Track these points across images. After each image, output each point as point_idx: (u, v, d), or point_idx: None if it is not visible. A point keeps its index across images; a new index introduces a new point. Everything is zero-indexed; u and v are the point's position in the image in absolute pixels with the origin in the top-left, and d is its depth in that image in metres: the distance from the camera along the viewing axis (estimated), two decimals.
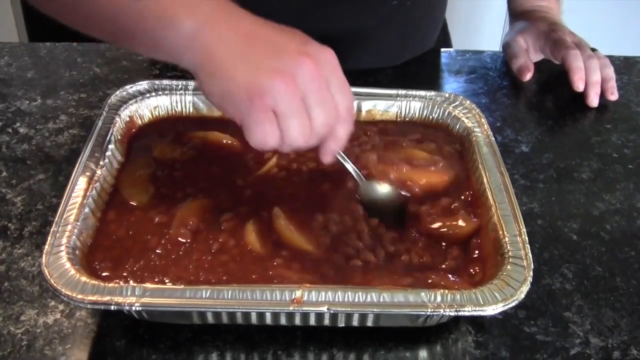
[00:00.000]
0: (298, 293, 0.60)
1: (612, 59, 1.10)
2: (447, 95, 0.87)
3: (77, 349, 0.65)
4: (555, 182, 0.88)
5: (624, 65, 1.14)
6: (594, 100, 1.04)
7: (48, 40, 1.14)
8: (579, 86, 1.04)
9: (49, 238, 0.64)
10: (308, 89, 0.62)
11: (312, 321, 0.64)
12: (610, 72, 1.06)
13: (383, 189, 0.76)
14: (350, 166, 0.74)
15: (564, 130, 1.01)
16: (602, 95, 1.04)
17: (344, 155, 0.73)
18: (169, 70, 1.06)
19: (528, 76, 1.08)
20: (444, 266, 0.68)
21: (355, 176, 0.75)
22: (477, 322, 0.69)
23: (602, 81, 1.04)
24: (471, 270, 0.68)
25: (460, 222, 0.72)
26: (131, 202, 0.73)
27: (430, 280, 0.66)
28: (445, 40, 1.29)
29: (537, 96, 1.07)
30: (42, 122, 0.94)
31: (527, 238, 0.67)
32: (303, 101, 0.62)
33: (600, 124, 1.01)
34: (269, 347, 0.66)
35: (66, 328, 0.67)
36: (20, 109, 0.97)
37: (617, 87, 1.05)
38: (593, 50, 1.08)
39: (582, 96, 1.04)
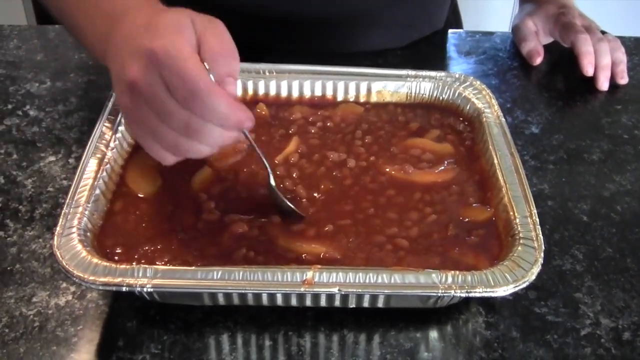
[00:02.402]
0: (309, 274, 0.60)
1: (623, 40, 1.09)
2: (457, 75, 0.87)
3: (88, 330, 0.66)
4: (566, 163, 0.88)
5: (634, 46, 1.14)
6: (604, 84, 1.03)
7: (56, 22, 1.14)
8: (589, 70, 1.03)
9: (60, 220, 0.65)
10: (148, 103, 0.59)
11: (323, 302, 0.64)
12: (621, 55, 1.05)
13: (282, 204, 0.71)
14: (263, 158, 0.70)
15: (574, 111, 1.00)
16: (612, 78, 1.03)
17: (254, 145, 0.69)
18: None
19: (538, 60, 1.08)
20: (469, 238, 0.69)
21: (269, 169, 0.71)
22: (487, 303, 0.69)
23: (612, 65, 1.04)
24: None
25: (475, 216, 0.72)
26: (137, 194, 0.73)
27: (454, 256, 0.67)
28: (456, 21, 1.28)
29: (547, 77, 1.07)
30: (51, 104, 0.94)
31: (537, 219, 0.66)
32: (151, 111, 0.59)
33: (610, 105, 1.01)
34: (280, 328, 0.66)
35: (78, 309, 0.67)
36: (30, 91, 0.97)
37: (627, 68, 1.04)
38: (603, 33, 1.07)
39: (592, 78, 1.03)
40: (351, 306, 0.65)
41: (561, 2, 1.12)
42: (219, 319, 0.66)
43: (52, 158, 0.85)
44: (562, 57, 1.08)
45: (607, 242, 0.77)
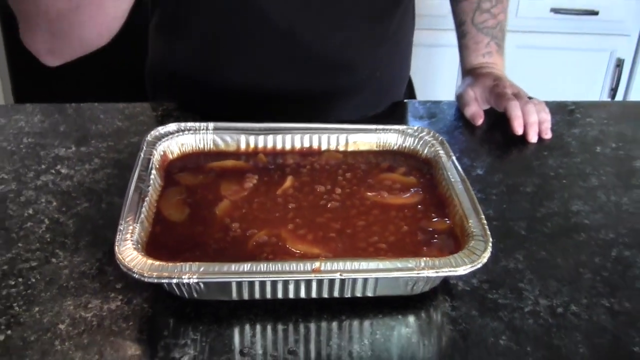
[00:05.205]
0: (317, 264, 0.78)
1: (548, 103, 1.31)
2: (416, 128, 1.07)
3: (138, 325, 0.80)
4: (506, 195, 1.08)
5: (556, 108, 1.35)
6: (533, 138, 1.23)
7: (33, 101, 1.31)
8: (518, 130, 1.23)
9: (117, 235, 0.80)
10: None
11: (325, 292, 0.82)
12: (545, 114, 1.25)
13: None
14: None
15: (510, 157, 1.22)
16: (539, 134, 1.25)
17: None
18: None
19: (480, 121, 1.28)
20: (434, 241, 0.88)
21: None
22: (451, 293, 0.87)
23: (538, 123, 1.25)
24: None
25: (437, 226, 0.91)
26: (172, 220, 0.90)
27: (423, 254, 0.85)
28: (410, 93, 1.51)
29: (487, 134, 1.28)
30: (79, 164, 1.10)
31: (485, 222, 0.85)
32: None
33: (539, 151, 1.22)
34: (291, 317, 0.82)
35: (127, 311, 0.81)
36: (58, 155, 1.13)
37: (552, 123, 1.25)
38: (530, 98, 1.30)
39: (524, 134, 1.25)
40: (347, 295, 0.83)
41: (495, 75, 1.33)
42: (242, 313, 0.82)
43: (87, 204, 1.00)
44: (499, 117, 1.29)
45: (541, 247, 0.96)
